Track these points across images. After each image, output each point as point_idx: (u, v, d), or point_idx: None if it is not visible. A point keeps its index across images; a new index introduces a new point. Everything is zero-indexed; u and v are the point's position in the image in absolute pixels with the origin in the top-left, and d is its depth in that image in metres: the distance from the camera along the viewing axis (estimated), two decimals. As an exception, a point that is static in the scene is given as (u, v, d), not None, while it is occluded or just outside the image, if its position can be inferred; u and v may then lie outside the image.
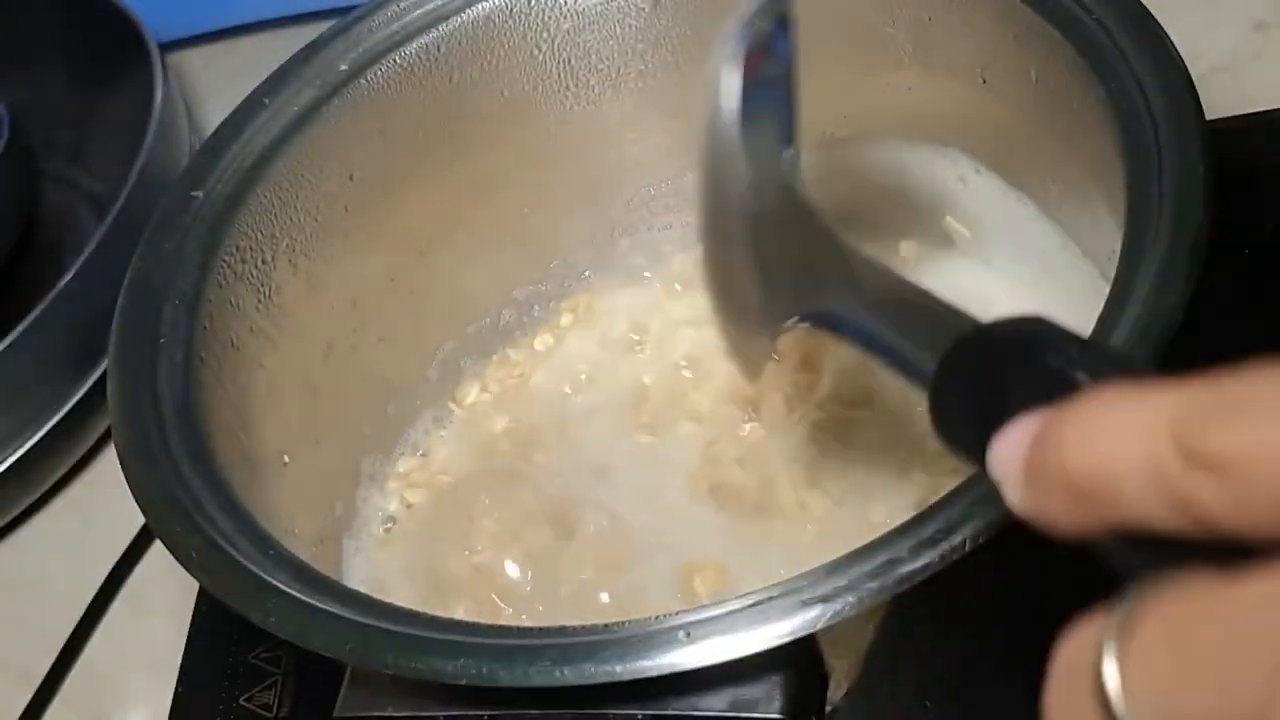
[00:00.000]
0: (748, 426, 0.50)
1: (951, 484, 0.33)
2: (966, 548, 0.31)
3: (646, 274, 0.56)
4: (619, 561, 0.47)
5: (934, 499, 0.33)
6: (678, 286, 0.55)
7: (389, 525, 0.52)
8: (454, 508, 0.50)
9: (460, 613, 0.46)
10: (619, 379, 0.53)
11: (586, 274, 0.56)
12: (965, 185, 0.50)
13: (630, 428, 0.52)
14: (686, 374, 0.53)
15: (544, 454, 0.51)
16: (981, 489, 0.32)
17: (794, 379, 0.49)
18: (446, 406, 0.55)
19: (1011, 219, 0.49)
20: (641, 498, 0.49)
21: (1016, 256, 0.50)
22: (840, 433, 0.48)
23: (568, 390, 0.54)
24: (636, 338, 0.55)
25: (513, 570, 0.47)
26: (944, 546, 0.31)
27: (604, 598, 0.46)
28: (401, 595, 0.47)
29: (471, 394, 0.55)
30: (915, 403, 0.30)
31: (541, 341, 0.55)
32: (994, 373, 0.27)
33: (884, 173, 0.53)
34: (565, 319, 0.56)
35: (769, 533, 0.47)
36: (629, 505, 0.49)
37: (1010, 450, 0.24)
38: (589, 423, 0.52)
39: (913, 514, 0.33)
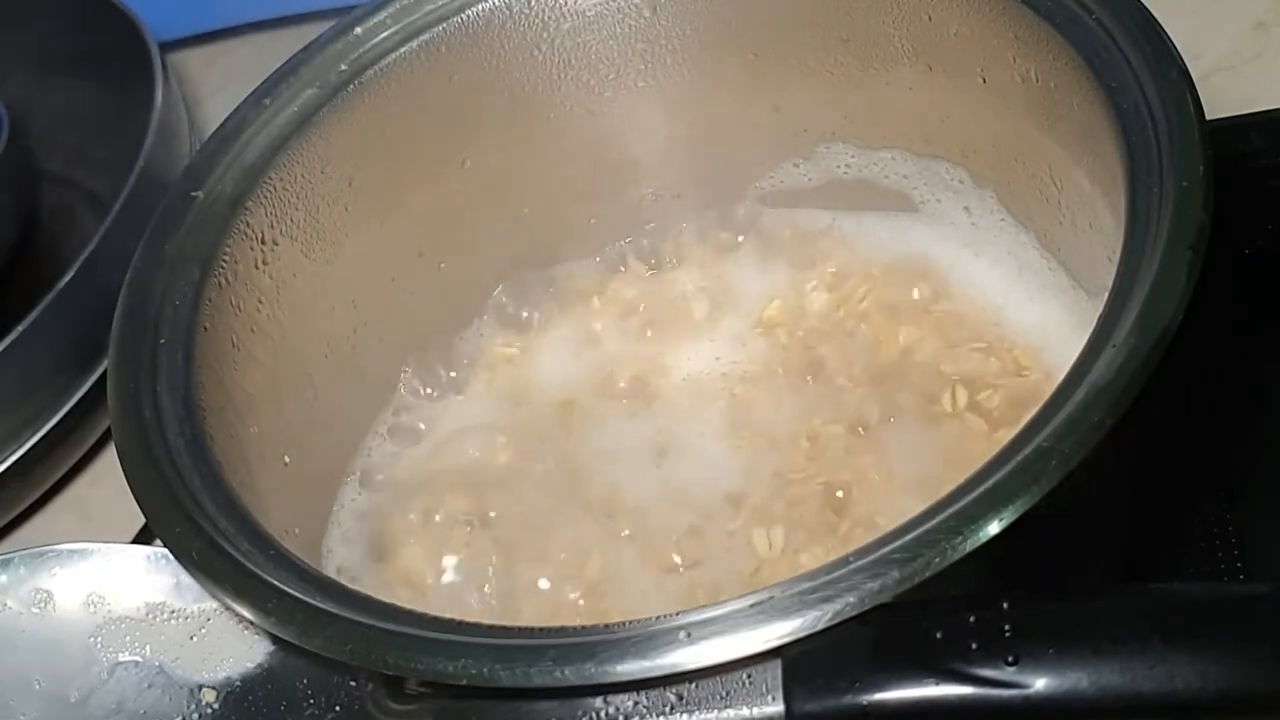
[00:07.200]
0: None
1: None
2: (968, 547, 0.31)
3: (647, 274, 0.56)
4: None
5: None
6: (677, 287, 0.55)
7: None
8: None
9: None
10: (618, 377, 0.53)
11: (586, 274, 0.56)
12: (970, 215, 0.51)
13: (629, 426, 0.52)
14: (685, 372, 0.53)
15: (545, 453, 0.51)
16: (982, 489, 0.32)
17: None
18: (447, 406, 0.55)
19: (1011, 246, 0.50)
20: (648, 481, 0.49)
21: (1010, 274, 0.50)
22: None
23: (567, 389, 0.54)
24: (636, 338, 0.55)
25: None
26: (944, 546, 0.31)
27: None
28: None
29: (472, 393, 0.55)
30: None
31: (541, 341, 0.55)
32: None
33: (885, 179, 0.53)
34: (565, 319, 0.56)
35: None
36: (630, 495, 0.49)
37: None
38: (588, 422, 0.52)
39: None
